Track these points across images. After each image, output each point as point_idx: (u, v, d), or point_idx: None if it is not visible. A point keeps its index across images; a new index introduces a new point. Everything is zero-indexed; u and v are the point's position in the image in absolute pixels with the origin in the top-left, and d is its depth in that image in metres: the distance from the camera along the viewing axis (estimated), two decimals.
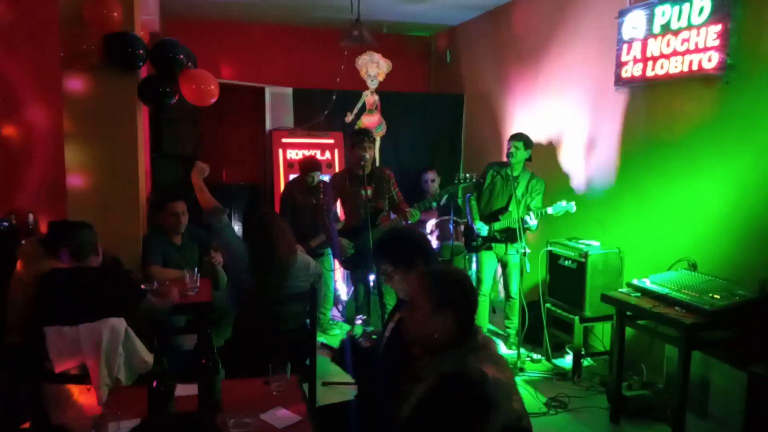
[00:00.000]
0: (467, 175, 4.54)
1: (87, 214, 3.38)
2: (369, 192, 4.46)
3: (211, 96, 3.81)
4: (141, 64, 3.58)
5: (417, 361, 1.81)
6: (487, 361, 1.68)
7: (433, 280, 1.80)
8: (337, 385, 3.86)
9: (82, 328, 2.62)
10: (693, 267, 3.76)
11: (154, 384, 1.84)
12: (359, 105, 6.26)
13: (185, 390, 2.07)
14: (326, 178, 5.25)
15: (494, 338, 5.16)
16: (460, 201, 5.61)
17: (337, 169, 6.05)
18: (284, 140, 6.13)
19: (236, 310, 3.16)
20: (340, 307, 5.81)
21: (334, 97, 6.18)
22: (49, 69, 3.98)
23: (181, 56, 3.70)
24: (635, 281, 3.66)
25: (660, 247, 4.11)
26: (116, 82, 3.64)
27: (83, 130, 3.67)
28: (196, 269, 3.84)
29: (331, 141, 6.30)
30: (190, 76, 3.76)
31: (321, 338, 5.10)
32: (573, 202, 4.42)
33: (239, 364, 2.95)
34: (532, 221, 4.42)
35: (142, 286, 3.51)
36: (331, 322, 5.42)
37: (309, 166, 5.15)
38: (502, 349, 4.94)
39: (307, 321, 3.29)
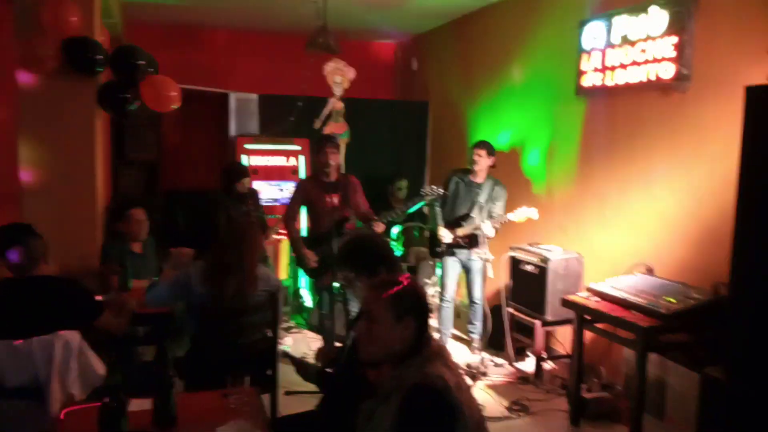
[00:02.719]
0: (433, 188, 4.56)
1: (41, 221, 3.28)
2: (335, 199, 4.45)
3: (172, 102, 3.76)
4: (100, 69, 3.52)
5: (377, 376, 1.80)
6: (445, 366, 1.69)
7: (396, 290, 1.80)
8: (300, 394, 3.83)
9: (34, 342, 2.55)
10: (650, 271, 3.86)
11: (106, 400, 1.80)
12: (326, 112, 6.26)
13: (140, 405, 2.03)
14: (292, 184, 5.21)
15: (458, 343, 5.21)
16: (426, 207, 5.64)
17: (304, 177, 6.02)
18: (248, 146, 6.07)
19: (193, 324, 3.09)
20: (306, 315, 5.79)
21: (300, 104, 6.16)
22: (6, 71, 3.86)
23: (142, 62, 3.64)
24: (594, 285, 3.73)
25: (619, 251, 4.20)
26: (74, 87, 3.58)
27: (39, 134, 3.60)
28: (155, 278, 3.79)
29: (298, 147, 6.27)
30: (151, 82, 3.71)
31: (286, 347, 5.08)
32: (534, 209, 4.49)
33: (199, 376, 2.92)
34: (488, 230, 4.46)
35: (98, 298, 3.45)
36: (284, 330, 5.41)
37: (237, 173, 4.93)
38: (467, 353, 4.98)
39: (269, 331, 3.26)
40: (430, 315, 1.85)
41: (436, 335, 5.18)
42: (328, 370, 2.41)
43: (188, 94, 6.42)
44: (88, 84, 3.62)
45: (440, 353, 1.78)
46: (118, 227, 3.94)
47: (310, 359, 3.71)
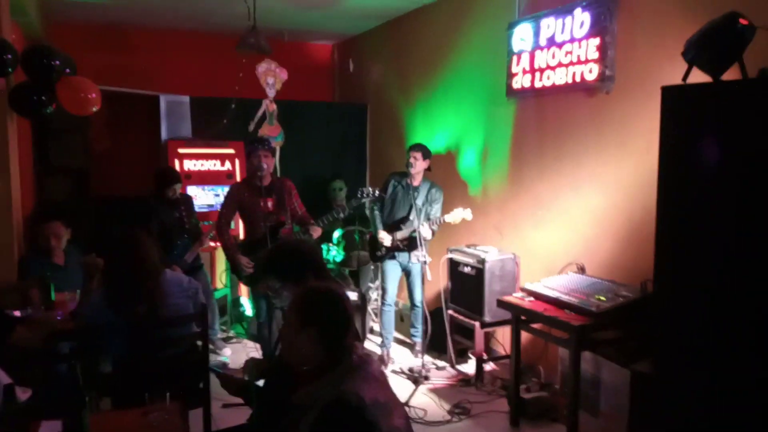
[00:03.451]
0: (370, 190, 4.52)
1: None
2: (269, 203, 4.34)
3: (91, 104, 3.58)
4: (10, 70, 3.30)
5: (297, 389, 1.74)
6: (364, 382, 1.64)
7: (302, 298, 1.74)
8: (238, 406, 3.71)
9: None
10: (582, 270, 3.93)
11: None
12: (259, 114, 6.13)
13: (52, 426, 1.90)
14: (225, 189, 5.06)
15: (401, 347, 5.18)
16: (367, 211, 5.60)
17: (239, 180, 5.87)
18: (181, 150, 5.87)
19: (113, 342, 2.91)
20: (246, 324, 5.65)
21: (233, 106, 6.01)
22: None
23: (57, 62, 3.44)
24: (528, 285, 3.77)
25: (553, 250, 4.26)
26: None
27: None
28: (78, 291, 3.60)
29: (232, 151, 6.11)
30: (67, 84, 3.51)
31: (225, 359, 4.93)
32: (469, 209, 4.51)
33: (124, 392, 2.77)
34: (426, 232, 4.45)
35: (17, 313, 3.24)
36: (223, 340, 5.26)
37: (168, 179, 4.74)
38: (410, 357, 4.96)
39: (198, 342, 3.13)
40: (346, 327, 1.76)
41: (375, 342, 5.17)
42: (259, 382, 2.32)
43: (117, 96, 6.23)
44: None
45: (361, 366, 1.72)
46: (35, 240, 3.74)
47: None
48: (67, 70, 3.55)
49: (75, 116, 3.85)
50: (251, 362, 2.36)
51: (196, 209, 5.18)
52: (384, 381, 1.73)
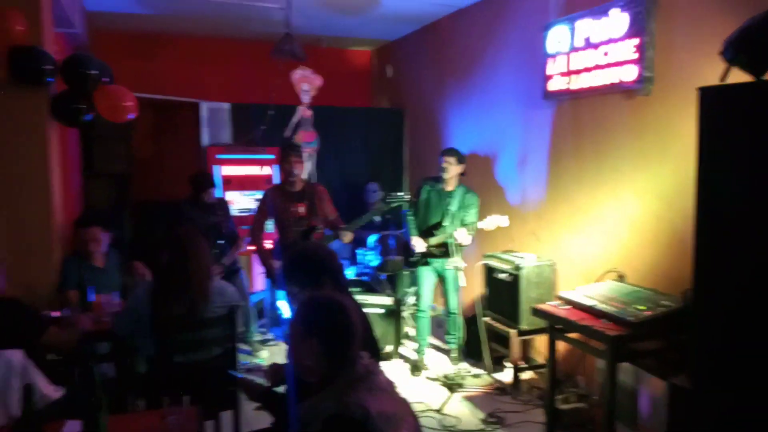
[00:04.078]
0: (400, 194, 4.49)
1: None
2: (300, 209, 4.37)
3: (128, 112, 3.66)
4: (49, 79, 3.41)
5: (302, 401, 1.71)
6: (369, 392, 1.59)
7: (303, 307, 1.72)
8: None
9: None
10: (621, 278, 3.79)
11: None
12: (295, 120, 6.19)
13: (74, 426, 1.94)
14: (261, 194, 5.11)
15: (438, 353, 5.11)
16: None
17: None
18: (219, 156, 5.98)
19: (148, 343, 2.95)
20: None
21: (271, 112, 6.08)
22: None
23: (94, 71, 3.54)
24: (564, 293, 3.65)
25: (591, 258, 4.13)
26: (24, 98, 3.46)
27: None
28: (116, 293, 3.69)
29: (271, 156, 6.19)
30: (104, 92, 3.60)
31: (261, 360, 4.97)
32: (506, 216, 4.41)
33: (157, 394, 2.80)
34: (463, 238, 4.38)
35: (56, 314, 3.34)
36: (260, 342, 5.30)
37: (201, 183, 4.84)
38: (445, 364, 4.89)
39: (230, 346, 3.15)
40: (349, 337, 1.71)
41: (410, 348, 5.12)
42: (279, 389, 2.31)
43: (160, 103, 6.40)
44: (39, 95, 3.51)
45: (366, 377, 1.67)
46: (76, 244, 3.86)
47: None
48: (105, 79, 3.64)
49: (118, 123, 3.95)
50: (273, 368, 2.35)
51: (237, 213, 5.26)
52: (392, 391, 1.68)
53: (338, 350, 1.68)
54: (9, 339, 2.57)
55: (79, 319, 3.08)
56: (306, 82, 5.91)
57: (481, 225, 4.42)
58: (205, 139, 6.18)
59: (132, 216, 6.01)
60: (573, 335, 3.62)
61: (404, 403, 1.69)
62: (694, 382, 2.60)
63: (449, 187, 4.59)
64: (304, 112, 6.11)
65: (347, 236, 4.32)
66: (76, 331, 2.98)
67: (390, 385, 1.71)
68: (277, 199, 4.42)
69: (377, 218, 5.88)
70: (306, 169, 5.76)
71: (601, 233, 4.06)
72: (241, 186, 6.09)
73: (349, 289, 2.50)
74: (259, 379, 2.31)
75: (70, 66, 3.48)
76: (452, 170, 4.53)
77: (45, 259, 3.66)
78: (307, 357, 1.67)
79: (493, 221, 4.39)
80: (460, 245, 4.38)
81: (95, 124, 4.24)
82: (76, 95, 3.52)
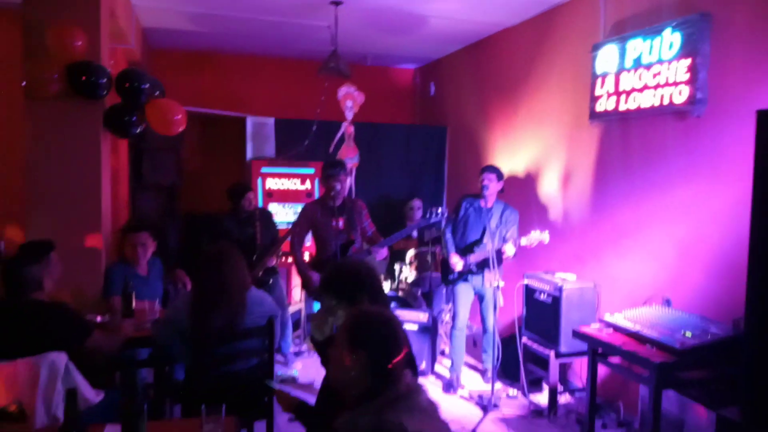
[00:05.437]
0: (438, 211, 4.48)
1: None
2: (340, 223, 4.40)
3: (177, 125, 3.77)
4: (104, 93, 3.54)
5: (337, 416, 1.69)
6: (409, 412, 1.57)
7: (353, 319, 1.71)
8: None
9: (19, 363, 2.52)
10: (667, 303, 3.68)
11: None
12: (339, 136, 6.26)
13: (114, 430, 1.98)
14: (299, 206, 5.16)
15: (472, 372, 5.04)
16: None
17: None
18: (264, 170, 6.09)
19: (185, 352, 2.98)
20: None
21: (314, 128, 6.17)
22: (13, 99, 3.91)
23: (146, 85, 3.66)
24: (607, 317, 3.57)
25: (636, 281, 4.03)
26: (80, 110, 3.60)
27: (45, 155, 3.62)
28: (157, 300, 3.77)
29: (312, 171, 6.27)
30: (155, 106, 3.72)
31: (295, 372, 4.99)
32: (547, 232, 4.34)
33: (194, 402, 2.84)
34: (509, 249, 4.34)
35: (99, 319, 3.43)
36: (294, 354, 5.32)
37: (239, 191, 4.85)
38: (480, 383, 4.82)
39: (265, 357, 3.17)
40: (396, 353, 1.69)
41: (445, 365, 5.06)
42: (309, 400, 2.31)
43: (208, 118, 6.57)
44: (94, 107, 3.65)
45: (409, 396, 1.65)
46: (122, 250, 3.95)
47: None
48: (156, 93, 3.76)
49: (167, 137, 4.07)
50: (286, 400, 2.32)
51: (274, 223, 5.28)
52: (432, 413, 1.65)
53: (384, 365, 1.67)
54: (54, 342, 2.65)
55: (122, 325, 3.15)
56: (350, 99, 5.97)
57: (523, 241, 4.37)
58: (250, 152, 6.30)
59: (178, 227, 6.15)
60: (614, 359, 3.53)
61: (445, 426, 1.66)
62: (744, 415, 2.49)
63: (488, 204, 4.56)
64: (347, 128, 6.17)
65: (379, 253, 4.35)
66: (118, 337, 3.05)
67: (432, 406, 1.68)
68: (317, 213, 4.47)
69: (415, 234, 5.87)
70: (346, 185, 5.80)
71: (647, 256, 3.95)
72: (282, 198, 6.19)
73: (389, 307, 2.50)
74: (295, 391, 2.32)
75: (124, 80, 3.60)
76: (492, 187, 4.50)
77: (93, 265, 3.77)
78: (352, 370, 1.66)
79: (535, 237, 4.33)
80: (507, 257, 4.32)
81: (145, 136, 4.38)
82: (129, 108, 3.65)
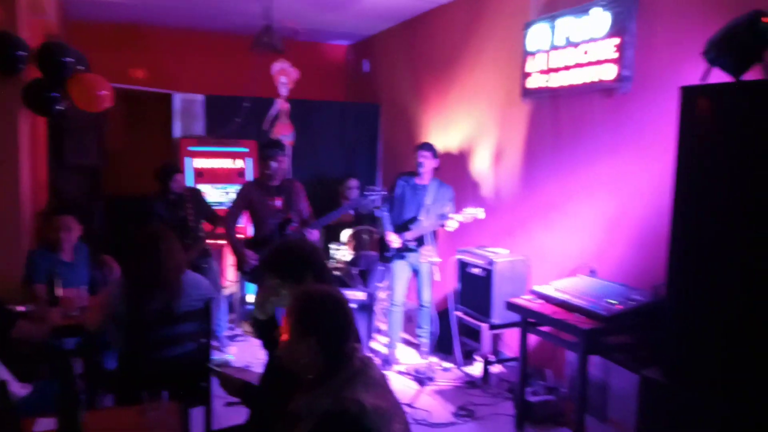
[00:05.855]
0: (375, 189, 4.52)
1: None
2: (277, 202, 4.36)
3: (102, 101, 3.59)
4: (22, 66, 3.32)
5: (293, 399, 1.69)
6: (365, 388, 1.59)
7: (301, 303, 1.70)
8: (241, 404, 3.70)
9: None
10: (593, 273, 3.87)
11: None
12: (273, 113, 6.14)
13: (46, 424, 1.90)
14: (239, 187, 5.05)
15: (408, 347, 5.14)
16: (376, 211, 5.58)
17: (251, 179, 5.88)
18: (192, 148, 5.90)
19: (120, 337, 2.88)
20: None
21: (246, 105, 6.02)
22: None
23: (69, 59, 3.46)
24: (537, 288, 3.71)
25: (564, 253, 4.20)
26: None
27: None
28: (85, 287, 3.61)
29: (245, 149, 6.13)
30: (79, 81, 3.52)
31: (230, 357, 4.92)
32: (482, 208, 4.46)
33: (129, 390, 2.76)
34: (452, 225, 4.43)
35: (21, 308, 3.25)
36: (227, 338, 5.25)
37: (167, 171, 4.69)
38: (416, 358, 4.93)
39: (202, 341, 3.11)
40: (347, 332, 1.70)
41: (382, 342, 5.14)
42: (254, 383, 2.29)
43: (132, 94, 6.27)
44: (11, 82, 3.42)
45: (362, 372, 1.66)
46: (44, 234, 3.75)
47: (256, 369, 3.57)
48: (80, 67, 3.56)
49: (90, 114, 3.86)
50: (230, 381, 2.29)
51: (206, 202, 5.13)
52: (385, 385, 1.68)
53: (337, 346, 1.66)
54: None
55: (49, 314, 3.00)
56: (284, 75, 5.86)
57: (457, 218, 4.46)
58: (177, 131, 6.08)
59: (103, 210, 5.87)
60: (545, 329, 3.69)
61: (395, 397, 1.69)
62: (666, 374, 2.67)
63: (424, 181, 4.62)
64: (281, 104, 6.05)
65: (311, 234, 4.36)
66: (45, 327, 2.91)
67: (383, 378, 1.71)
68: (255, 193, 4.40)
69: (350, 213, 5.87)
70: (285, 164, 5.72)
71: (575, 229, 4.13)
72: (213, 179, 6.02)
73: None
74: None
75: (45, 53, 3.38)
76: (428, 164, 4.57)
77: (12, 250, 3.56)
78: (305, 356, 1.65)
79: (470, 213, 4.43)
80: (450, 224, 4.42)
81: (66, 114, 4.14)
82: (51, 83, 3.43)
